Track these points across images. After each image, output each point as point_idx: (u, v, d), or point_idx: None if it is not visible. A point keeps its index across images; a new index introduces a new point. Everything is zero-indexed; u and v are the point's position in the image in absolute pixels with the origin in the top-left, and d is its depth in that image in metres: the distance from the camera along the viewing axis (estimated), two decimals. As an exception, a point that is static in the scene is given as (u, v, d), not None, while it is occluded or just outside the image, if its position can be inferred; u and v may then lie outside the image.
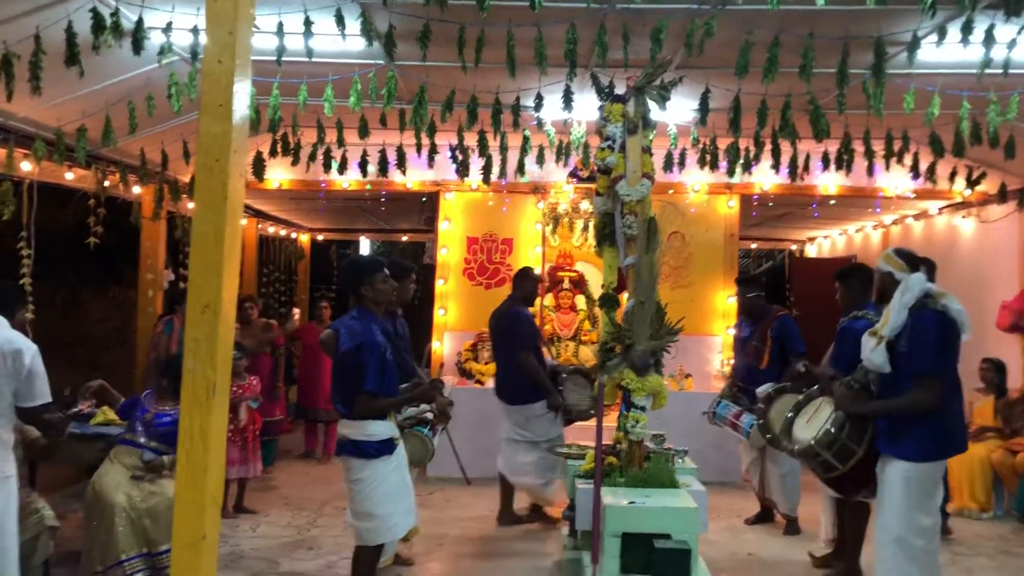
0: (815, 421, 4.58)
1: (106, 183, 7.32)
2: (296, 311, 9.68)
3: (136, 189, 7.93)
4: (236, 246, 2.28)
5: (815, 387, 4.93)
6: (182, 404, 2.19)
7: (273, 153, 7.07)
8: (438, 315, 9.13)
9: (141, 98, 5.80)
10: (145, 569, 4.71)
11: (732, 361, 7.60)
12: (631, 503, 4.28)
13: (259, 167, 7.32)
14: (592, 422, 5.20)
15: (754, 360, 6.63)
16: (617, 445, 4.90)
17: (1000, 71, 4.93)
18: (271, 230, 12.85)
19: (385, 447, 4.41)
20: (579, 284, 10.85)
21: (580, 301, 10.69)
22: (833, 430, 4.31)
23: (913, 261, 4.38)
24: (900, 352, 4.13)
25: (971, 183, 7.61)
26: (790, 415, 4.82)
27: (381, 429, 4.42)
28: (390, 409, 4.51)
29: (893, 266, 4.34)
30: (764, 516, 6.79)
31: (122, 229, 8.50)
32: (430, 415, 5.30)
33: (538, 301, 9.34)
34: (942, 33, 4.71)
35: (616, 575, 4.16)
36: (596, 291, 9.03)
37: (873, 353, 4.18)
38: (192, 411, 2.19)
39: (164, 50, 5.05)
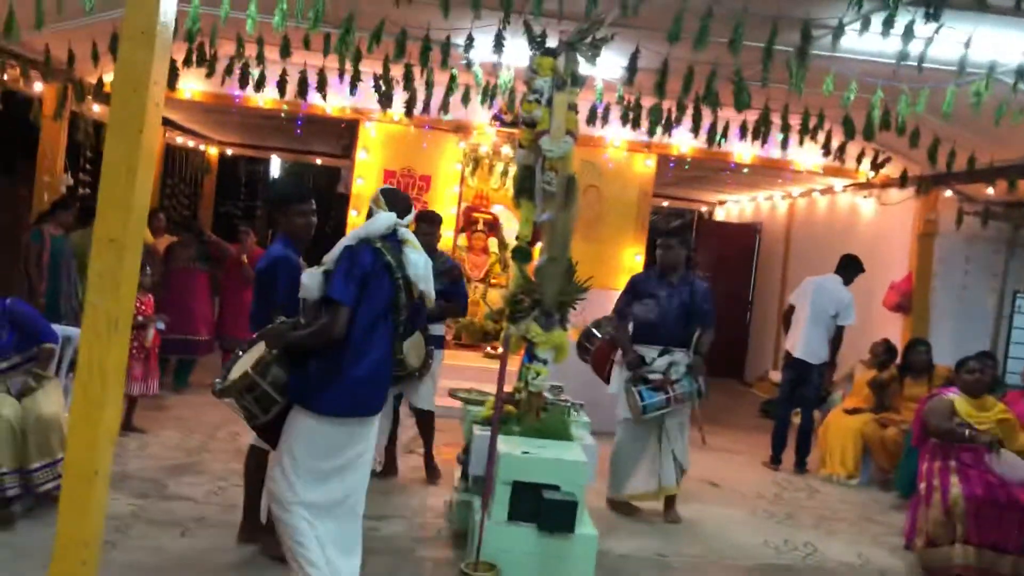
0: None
1: (4, 76, 6.90)
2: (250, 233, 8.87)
3: (38, 86, 7.51)
4: (148, 181, 2.20)
5: None
6: (82, 337, 2.14)
7: (188, 63, 6.79)
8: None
9: (49, -9, 5.44)
10: (19, 486, 4.65)
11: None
12: (525, 452, 4.40)
13: (172, 76, 7.01)
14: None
15: None
16: (516, 394, 5.00)
17: (914, 64, 5.11)
18: (179, 140, 12.35)
19: None
20: (493, 226, 10.89)
21: (492, 244, 10.76)
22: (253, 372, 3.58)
23: (395, 202, 4.02)
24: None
25: (876, 166, 7.92)
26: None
27: None
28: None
29: (376, 203, 3.98)
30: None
31: (20, 124, 8.05)
32: None
33: (451, 241, 9.35)
34: (866, 23, 4.82)
35: (504, 522, 4.30)
36: (510, 235, 9.08)
37: (311, 279, 3.77)
38: (92, 345, 2.14)
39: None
